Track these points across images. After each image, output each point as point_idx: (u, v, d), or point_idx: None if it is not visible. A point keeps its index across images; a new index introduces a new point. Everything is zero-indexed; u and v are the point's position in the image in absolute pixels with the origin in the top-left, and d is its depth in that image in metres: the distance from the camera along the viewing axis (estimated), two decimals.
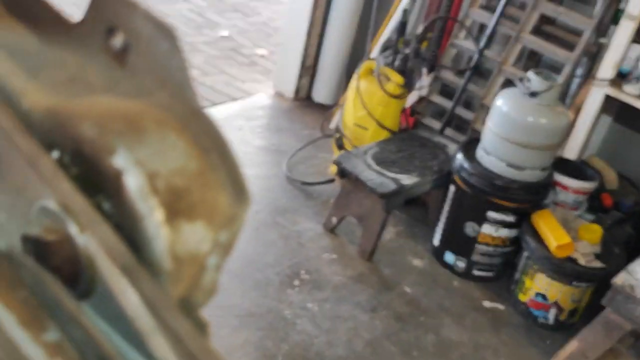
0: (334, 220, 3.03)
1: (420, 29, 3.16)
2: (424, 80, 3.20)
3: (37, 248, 0.34)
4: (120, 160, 0.32)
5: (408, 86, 3.12)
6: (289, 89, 4.09)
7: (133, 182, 0.32)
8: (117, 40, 0.37)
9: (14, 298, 0.32)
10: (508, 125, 2.55)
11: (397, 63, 3.10)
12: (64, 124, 0.34)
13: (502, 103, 2.58)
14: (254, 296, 2.77)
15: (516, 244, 2.74)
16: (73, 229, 0.33)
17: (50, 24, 0.42)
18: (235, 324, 2.62)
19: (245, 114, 4.06)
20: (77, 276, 0.34)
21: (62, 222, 0.34)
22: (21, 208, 0.37)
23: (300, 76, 4.03)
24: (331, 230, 3.09)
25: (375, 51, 3.34)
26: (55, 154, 0.35)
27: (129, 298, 0.32)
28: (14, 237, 0.38)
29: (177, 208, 0.33)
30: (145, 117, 0.34)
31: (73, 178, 0.34)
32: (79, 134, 0.33)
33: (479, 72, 3.18)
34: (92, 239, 0.33)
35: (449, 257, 2.91)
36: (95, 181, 0.33)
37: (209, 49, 4.68)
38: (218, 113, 4.01)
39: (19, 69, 0.38)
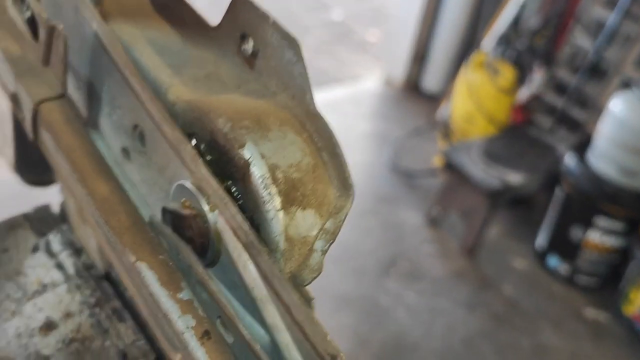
0: (436, 212, 3.04)
1: (535, 23, 3.09)
2: (537, 77, 3.12)
3: (174, 220, 0.41)
4: (248, 153, 0.38)
5: (520, 81, 3.07)
6: (398, 77, 4.09)
7: (258, 172, 0.38)
8: (249, 46, 0.42)
9: (156, 261, 0.39)
10: (623, 130, 2.47)
11: (509, 57, 3.05)
12: (203, 117, 0.40)
13: (618, 106, 2.49)
14: (351, 282, 2.83)
15: (624, 253, 2.65)
16: (205, 207, 0.39)
17: (192, 26, 0.48)
18: (332, 307, 2.69)
19: (352, 99, 4.11)
20: (206, 247, 0.40)
21: (196, 200, 0.40)
22: (162, 185, 0.44)
23: (410, 64, 4.02)
24: (432, 222, 3.10)
25: (487, 42, 3.29)
26: (194, 141, 0.41)
27: (249, 270, 0.38)
28: (154, 208, 0.45)
29: (292, 197, 0.38)
30: (270, 116, 0.40)
31: (208, 163, 0.40)
32: (215, 126, 0.39)
33: (595, 71, 3.07)
34: (220, 217, 0.38)
35: (553, 261, 2.85)
36: (226, 168, 0.39)
37: (321, 32, 4.74)
38: (325, 97, 4.08)
39: (166, 64, 0.45)
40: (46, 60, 0.44)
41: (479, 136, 3.05)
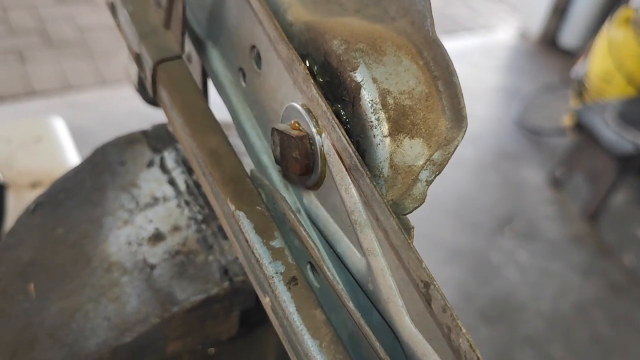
0: (560, 173, 2.92)
1: None
2: None
3: (282, 140, 0.41)
4: (360, 76, 0.37)
5: None
6: (534, 30, 3.91)
7: (368, 96, 0.37)
8: None
9: (253, 210, 0.40)
10: None
11: None
12: (318, 38, 0.39)
13: None
14: (464, 235, 2.79)
15: None
16: (313, 129, 0.39)
17: None
18: (441, 258, 2.67)
19: (483, 50, 3.97)
20: (310, 169, 0.41)
21: (305, 121, 0.40)
22: (274, 106, 0.44)
23: (549, 17, 3.82)
24: (555, 183, 2.98)
25: None
26: (308, 63, 0.40)
27: (350, 193, 0.37)
28: (266, 129, 0.46)
29: (401, 124, 0.37)
30: (386, 41, 0.39)
31: (320, 85, 0.40)
32: (329, 48, 0.38)
33: None
34: (327, 139, 0.38)
35: None
36: (337, 91, 0.39)
37: None
38: (455, 45, 3.96)
39: None
40: (167, 24, 0.47)
41: (616, 97, 2.88)
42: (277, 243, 0.40)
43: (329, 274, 0.39)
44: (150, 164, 0.61)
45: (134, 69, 0.70)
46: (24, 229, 0.61)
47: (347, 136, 0.37)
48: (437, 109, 0.38)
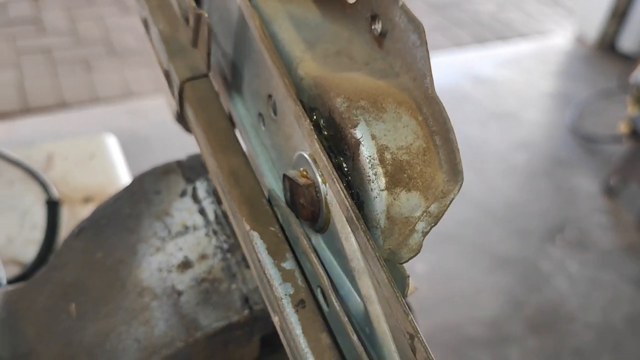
0: (615, 182, 2.86)
1: None
2: None
3: (292, 187, 0.44)
4: (359, 133, 0.40)
5: None
6: (592, 34, 3.83)
7: (366, 152, 0.40)
8: (378, 26, 0.43)
9: (267, 231, 0.43)
10: None
11: None
12: (323, 94, 0.42)
13: None
14: (513, 243, 2.77)
15: None
16: (318, 179, 0.42)
17: (332, 0, 0.49)
18: (487, 266, 2.66)
19: (537, 55, 3.92)
20: (316, 215, 0.43)
21: (312, 170, 0.43)
22: (287, 152, 0.47)
23: (607, 20, 3.74)
24: (609, 192, 2.93)
25: None
26: (315, 117, 0.43)
27: (349, 241, 0.40)
28: (280, 172, 0.49)
29: (398, 178, 0.40)
30: (387, 98, 0.41)
31: (325, 138, 0.43)
32: (333, 105, 0.41)
33: None
34: (329, 190, 0.41)
35: None
36: (340, 144, 0.41)
37: None
38: (508, 51, 3.91)
39: (301, 39, 0.47)
40: (194, 43, 0.49)
41: None
42: (288, 265, 0.42)
43: (335, 303, 0.41)
44: (183, 194, 0.65)
45: (174, 101, 0.75)
46: (69, 251, 0.66)
47: (345, 189, 0.39)
48: (434, 163, 0.40)
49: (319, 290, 0.43)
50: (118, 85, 3.56)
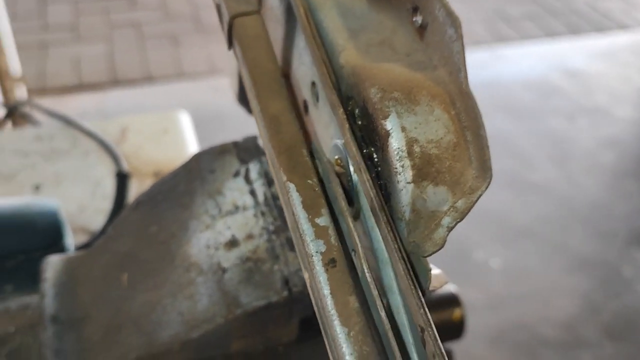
0: None
1: None
2: None
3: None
4: (389, 124, 0.40)
5: None
6: None
7: (395, 144, 0.40)
8: (419, 18, 0.43)
9: (303, 184, 0.42)
10: None
11: None
12: (359, 84, 0.42)
13: None
14: (593, 244, 2.68)
15: None
16: (350, 168, 0.42)
17: None
18: (566, 266, 2.59)
19: (636, 48, 3.74)
20: (349, 203, 0.44)
21: (346, 160, 0.43)
22: (326, 140, 0.48)
23: None
24: None
25: None
26: (351, 106, 0.44)
27: (375, 232, 0.41)
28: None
29: (426, 172, 0.40)
30: (422, 90, 0.41)
31: (359, 128, 0.43)
32: (367, 95, 0.41)
33: None
34: (359, 179, 0.41)
35: None
36: (372, 135, 0.42)
37: None
38: (603, 44, 3.76)
39: (346, 28, 0.48)
40: None
41: None
42: (322, 221, 0.41)
43: (366, 272, 0.41)
44: (236, 174, 0.66)
45: (235, 82, 0.76)
46: (126, 223, 0.69)
47: (371, 180, 0.40)
48: (464, 159, 0.40)
49: (353, 254, 0.42)
50: (203, 61, 3.65)
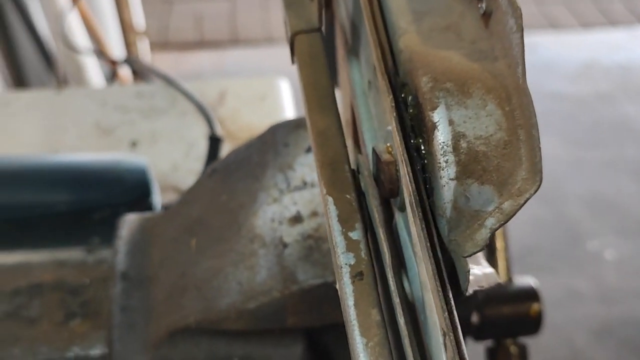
0: None
1: None
2: None
3: (376, 161, 0.44)
4: (437, 116, 0.38)
5: None
6: None
7: (440, 137, 0.38)
8: (483, 4, 0.41)
9: (342, 197, 0.42)
10: None
11: None
12: (413, 71, 0.41)
13: None
14: None
15: None
16: (399, 157, 0.41)
17: None
18: None
19: None
20: (395, 194, 0.43)
21: (393, 148, 0.42)
22: (383, 124, 0.47)
23: None
24: None
25: None
26: (404, 93, 0.42)
27: (413, 226, 0.39)
28: (379, 143, 0.48)
29: (471, 169, 0.38)
30: (477, 83, 0.39)
31: (410, 117, 0.41)
32: (418, 84, 0.40)
33: None
34: (400, 171, 0.40)
35: None
36: (420, 126, 0.40)
37: None
38: None
39: (410, 9, 0.46)
40: None
41: None
42: (355, 235, 0.42)
43: (391, 282, 0.41)
44: (308, 150, 0.66)
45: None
46: (200, 189, 0.71)
47: (411, 173, 0.38)
48: (515, 158, 0.38)
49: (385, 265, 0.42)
50: None
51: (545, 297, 0.85)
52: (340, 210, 0.42)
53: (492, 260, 0.87)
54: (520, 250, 2.45)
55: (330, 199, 0.43)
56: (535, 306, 0.82)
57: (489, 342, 0.88)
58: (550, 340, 2.20)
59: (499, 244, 0.89)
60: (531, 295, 0.82)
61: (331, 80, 0.49)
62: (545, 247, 2.58)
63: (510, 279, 0.87)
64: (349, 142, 0.63)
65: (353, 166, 0.46)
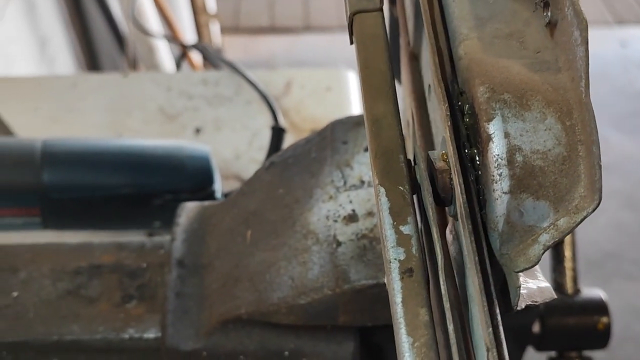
0: None
1: None
2: None
3: (430, 168, 0.43)
4: (492, 128, 0.37)
5: None
6: None
7: (495, 150, 0.37)
8: (549, 13, 0.40)
9: (394, 189, 0.41)
10: None
11: None
12: (470, 80, 0.40)
13: None
14: None
15: None
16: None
17: None
18: None
19: None
20: (449, 202, 0.42)
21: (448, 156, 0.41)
22: (440, 131, 0.46)
23: None
24: None
25: None
26: (461, 102, 0.41)
27: (463, 236, 0.39)
28: (438, 148, 0.48)
29: (526, 184, 0.37)
30: (536, 95, 0.38)
31: (466, 126, 0.41)
32: (475, 93, 0.39)
33: None
34: (453, 181, 0.40)
35: None
36: (476, 136, 0.39)
37: None
38: None
39: (473, 15, 0.45)
40: None
41: None
42: (406, 229, 0.40)
43: (442, 284, 0.40)
44: (367, 149, 0.66)
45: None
46: (257, 182, 0.72)
47: (463, 184, 0.38)
48: (573, 175, 0.37)
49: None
50: (334, 16, 3.60)
51: (625, 305, 0.82)
52: (392, 203, 0.41)
53: (559, 268, 0.85)
54: (600, 255, 2.37)
55: (382, 189, 0.41)
56: (603, 320, 0.79)
57: (552, 353, 0.85)
58: (630, 351, 2.13)
59: (567, 252, 0.86)
60: (600, 308, 0.80)
61: (391, 65, 0.47)
62: (627, 253, 2.48)
63: (577, 290, 0.84)
64: (406, 132, 0.62)
65: (409, 157, 0.44)
